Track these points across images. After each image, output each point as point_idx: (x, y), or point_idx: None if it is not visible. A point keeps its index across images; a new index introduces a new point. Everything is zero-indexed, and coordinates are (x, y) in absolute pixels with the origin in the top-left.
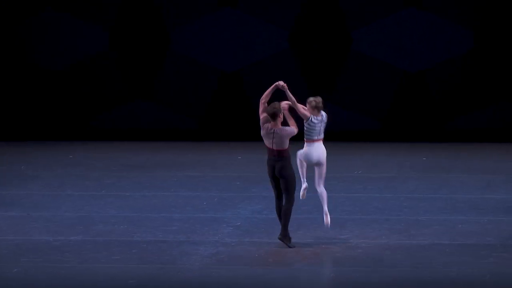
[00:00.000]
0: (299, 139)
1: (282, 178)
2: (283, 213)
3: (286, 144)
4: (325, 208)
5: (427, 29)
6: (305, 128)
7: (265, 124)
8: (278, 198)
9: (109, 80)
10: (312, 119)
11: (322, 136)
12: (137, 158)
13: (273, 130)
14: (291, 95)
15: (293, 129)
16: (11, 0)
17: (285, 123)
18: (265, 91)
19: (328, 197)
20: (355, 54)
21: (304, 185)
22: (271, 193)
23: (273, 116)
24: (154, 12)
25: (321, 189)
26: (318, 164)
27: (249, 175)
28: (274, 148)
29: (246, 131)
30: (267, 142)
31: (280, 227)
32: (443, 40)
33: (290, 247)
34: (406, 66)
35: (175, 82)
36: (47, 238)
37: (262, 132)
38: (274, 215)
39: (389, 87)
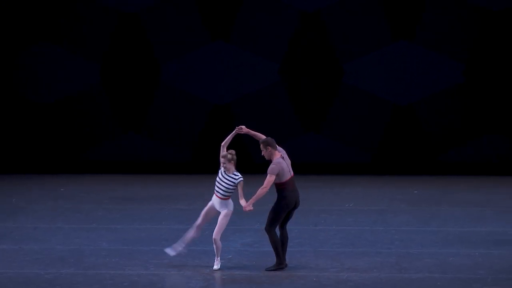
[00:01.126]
0: None
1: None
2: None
3: None
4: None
5: (417, 62)
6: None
7: (278, 159)
8: (282, 227)
9: (101, 113)
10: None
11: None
12: (128, 191)
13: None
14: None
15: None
16: (2, 33)
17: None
18: (253, 129)
19: (320, 230)
20: (346, 87)
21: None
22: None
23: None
24: (145, 45)
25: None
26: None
27: (240, 208)
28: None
29: (238, 164)
30: (287, 175)
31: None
32: (433, 73)
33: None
34: (396, 99)
35: (166, 114)
36: (38, 271)
37: (279, 169)
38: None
39: (380, 119)
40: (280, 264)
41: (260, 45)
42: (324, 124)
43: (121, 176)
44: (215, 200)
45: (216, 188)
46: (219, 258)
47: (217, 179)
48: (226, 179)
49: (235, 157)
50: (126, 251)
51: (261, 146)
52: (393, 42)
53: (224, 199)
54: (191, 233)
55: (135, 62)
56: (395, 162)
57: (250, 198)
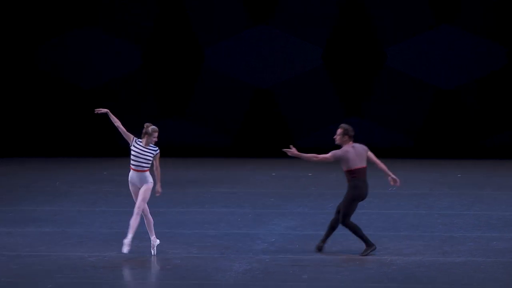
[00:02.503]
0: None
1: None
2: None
3: None
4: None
5: (460, 45)
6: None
7: (347, 147)
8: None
9: (143, 97)
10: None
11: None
12: (170, 175)
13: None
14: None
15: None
16: (46, 18)
17: None
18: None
19: (362, 214)
20: (388, 71)
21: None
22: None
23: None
24: (188, 29)
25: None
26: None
27: (283, 191)
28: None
29: (280, 148)
30: (357, 164)
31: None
32: (476, 57)
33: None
34: (439, 83)
35: (208, 99)
36: (81, 254)
37: (342, 154)
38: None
39: (422, 103)
40: (370, 246)
41: (303, 29)
42: (367, 108)
43: (162, 160)
44: (134, 177)
45: (136, 162)
46: (153, 236)
47: (135, 153)
48: (146, 151)
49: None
50: (169, 235)
51: (339, 130)
52: (436, 26)
53: (144, 171)
54: (135, 221)
55: (178, 46)
56: (438, 146)
57: None
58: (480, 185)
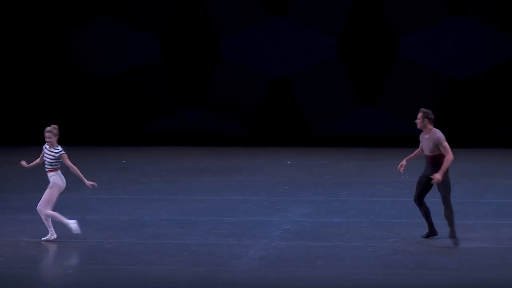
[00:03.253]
0: None
1: None
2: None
3: None
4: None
5: (474, 37)
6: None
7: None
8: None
9: (161, 86)
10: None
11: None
12: (187, 163)
13: None
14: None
15: None
16: (64, 8)
17: None
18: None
19: (376, 201)
20: (402, 61)
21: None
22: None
23: None
24: (205, 20)
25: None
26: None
27: (298, 179)
28: None
29: (295, 137)
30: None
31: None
32: (489, 47)
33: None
34: (453, 73)
35: (225, 88)
36: (100, 241)
37: None
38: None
39: (436, 93)
40: (433, 232)
41: (318, 20)
42: (381, 98)
43: (180, 148)
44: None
45: (45, 163)
46: (51, 229)
47: (44, 156)
48: (49, 153)
49: (58, 131)
50: (186, 222)
51: (420, 114)
52: (449, 17)
53: (50, 171)
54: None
55: (195, 37)
56: (451, 135)
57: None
58: (491, 174)
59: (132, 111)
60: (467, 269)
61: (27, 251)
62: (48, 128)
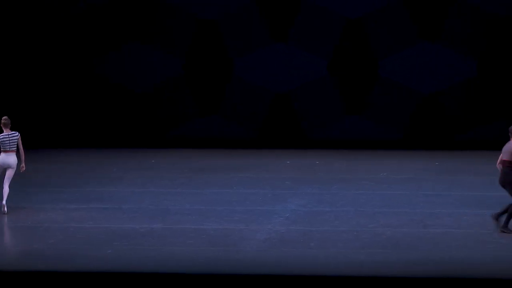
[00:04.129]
0: None
1: None
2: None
3: None
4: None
5: (439, 58)
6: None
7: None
8: None
9: (183, 99)
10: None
11: (14, 148)
12: (206, 162)
13: None
14: None
15: None
16: (106, 33)
17: None
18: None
19: (361, 194)
20: (381, 79)
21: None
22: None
23: None
24: (220, 44)
25: (6, 188)
26: (9, 168)
27: (296, 176)
28: None
29: (294, 140)
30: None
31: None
32: (452, 68)
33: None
34: (422, 89)
35: (237, 100)
36: (134, 226)
37: (505, 149)
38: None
39: (409, 105)
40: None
41: (313, 46)
42: (364, 108)
43: (200, 150)
44: (7, 157)
45: (7, 147)
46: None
47: (3, 140)
48: (12, 136)
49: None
50: (204, 210)
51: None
52: (419, 42)
53: (14, 151)
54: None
55: (212, 58)
56: (421, 140)
57: None
58: (454, 172)
59: (160, 119)
60: (436, 249)
61: (74, 235)
62: (4, 121)
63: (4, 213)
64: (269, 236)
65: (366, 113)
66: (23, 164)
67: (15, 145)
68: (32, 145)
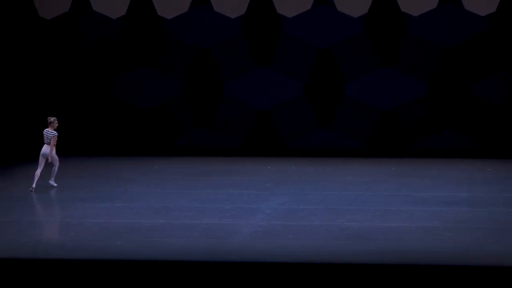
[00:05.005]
0: None
1: None
2: None
3: None
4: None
5: (395, 81)
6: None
7: None
8: None
9: (182, 115)
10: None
11: (48, 142)
12: (200, 167)
13: None
14: None
15: None
16: (116, 62)
17: None
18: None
19: (330, 194)
20: (347, 98)
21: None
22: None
23: None
24: (213, 69)
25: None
26: (44, 156)
27: (276, 179)
28: None
29: (275, 149)
30: None
31: None
32: (406, 88)
33: None
34: (381, 106)
35: (227, 115)
36: (140, 221)
37: None
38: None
39: (371, 119)
40: None
41: (290, 70)
42: (333, 122)
43: (195, 158)
44: (43, 148)
45: (45, 140)
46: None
47: (44, 134)
48: (49, 133)
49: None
50: (200, 208)
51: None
52: (378, 68)
53: (48, 145)
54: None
55: (205, 81)
56: (380, 148)
57: None
58: (408, 175)
59: (162, 132)
60: (392, 241)
61: (90, 229)
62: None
63: (32, 190)
64: (254, 230)
65: (334, 126)
66: (49, 156)
67: (49, 141)
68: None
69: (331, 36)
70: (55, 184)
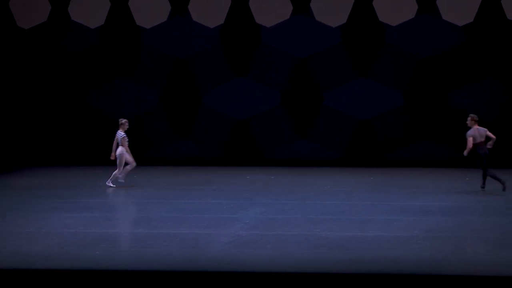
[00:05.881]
0: None
1: None
2: None
3: None
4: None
5: (372, 91)
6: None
7: (473, 129)
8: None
9: (161, 125)
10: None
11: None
12: (179, 178)
13: None
14: None
15: None
16: (95, 72)
17: None
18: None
19: (308, 204)
20: (325, 108)
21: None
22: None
23: None
24: (191, 80)
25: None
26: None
27: (254, 188)
28: None
29: (253, 159)
30: (478, 139)
31: None
32: (383, 98)
33: None
34: (359, 116)
35: (205, 126)
36: (118, 231)
37: (472, 134)
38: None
39: (348, 129)
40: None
41: (268, 80)
42: (311, 132)
43: (174, 168)
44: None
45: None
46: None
47: (116, 136)
48: (118, 135)
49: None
50: (178, 218)
51: (470, 118)
52: (356, 78)
53: (120, 145)
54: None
55: (184, 91)
56: (358, 158)
57: None
58: (386, 185)
59: (142, 141)
60: (370, 250)
61: (68, 239)
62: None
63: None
64: (232, 239)
65: (312, 136)
66: (113, 153)
67: (120, 142)
68: (36, 163)
69: (310, 45)
70: (113, 185)
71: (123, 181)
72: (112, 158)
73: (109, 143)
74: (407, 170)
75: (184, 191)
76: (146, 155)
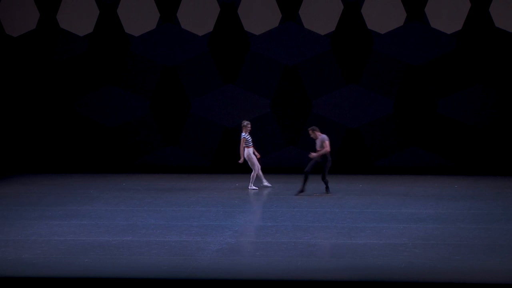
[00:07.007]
0: None
1: None
2: None
3: None
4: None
5: (362, 98)
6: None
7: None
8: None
9: (150, 133)
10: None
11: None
12: (168, 185)
13: None
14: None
15: None
16: (83, 80)
17: None
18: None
19: (297, 211)
20: (314, 115)
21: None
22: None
23: None
24: (180, 88)
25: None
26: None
27: (243, 196)
28: None
29: (241, 167)
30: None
31: None
32: (372, 106)
33: None
34: (347, 123)
35: (194, 133)
36: (107, 239)
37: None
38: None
39: (337, 137)
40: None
41: (257, 88)
42: (300, 140)
43: (163, 175)
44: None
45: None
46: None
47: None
48: (241, 137)
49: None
50: (166, 225)
51: (310, 131)
52: (345, 85)
53: (246, 147)
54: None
55: (173, 99)
56: (347, 165)
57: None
58: (373, 192)
59: (130, 149)
60: (359, 258)
61: (57, 246)
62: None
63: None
64: (221, 247)
65: (301, 143)
66: (241, 157)
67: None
68: (24, 170)
69: (299, 53)
70: (255, 188)
71: (269, 184)
72: (241, 161)
73: (99, 151)
74: (396, 177)
75: (173, 199)
76: (134, 162)
